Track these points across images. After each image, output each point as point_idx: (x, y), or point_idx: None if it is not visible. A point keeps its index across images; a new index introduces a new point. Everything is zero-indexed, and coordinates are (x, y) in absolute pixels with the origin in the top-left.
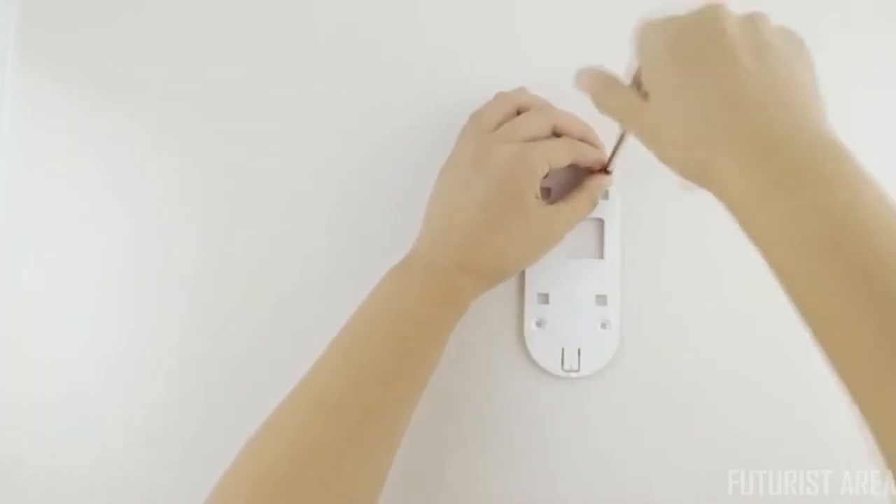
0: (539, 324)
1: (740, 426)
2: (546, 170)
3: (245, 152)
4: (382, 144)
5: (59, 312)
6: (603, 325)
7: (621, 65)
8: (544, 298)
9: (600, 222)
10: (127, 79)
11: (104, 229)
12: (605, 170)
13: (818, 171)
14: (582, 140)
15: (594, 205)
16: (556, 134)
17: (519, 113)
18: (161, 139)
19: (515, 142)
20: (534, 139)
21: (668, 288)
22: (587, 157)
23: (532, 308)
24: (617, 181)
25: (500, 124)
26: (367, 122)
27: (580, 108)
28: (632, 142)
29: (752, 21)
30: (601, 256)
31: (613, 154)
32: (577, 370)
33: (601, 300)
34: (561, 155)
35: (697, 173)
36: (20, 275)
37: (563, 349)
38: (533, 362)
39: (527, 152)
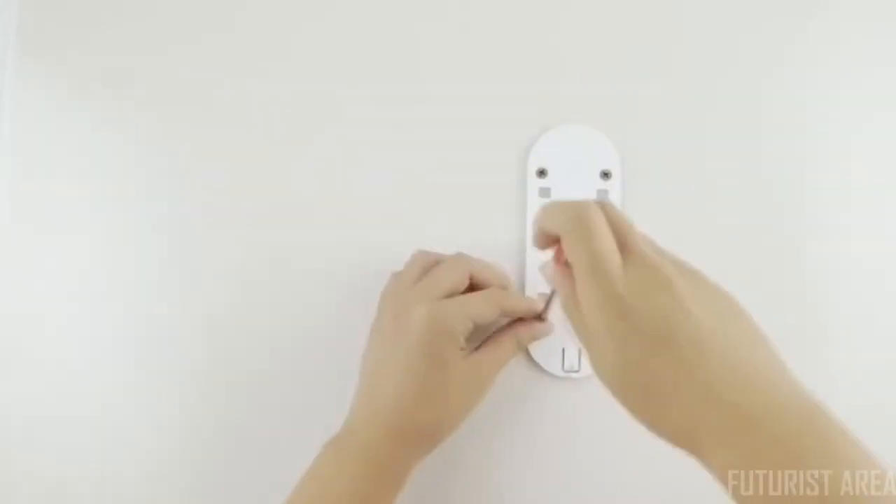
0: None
1: None
2: (470, 326)
3: (247, 154)
4: (391, 148)
5: (60, 315)
6: None
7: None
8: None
9: None
10: (127, 79)
11: (105, 230)
12: (539, 317)
13: (803, 442)
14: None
15: (521, 349)
16: (475, 286)
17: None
18: (162, 139)
19: (432, 300)
20: (451, 294)
21: None
22: (515, 308)
23: None
24: (617, 182)
25: (418, 281)
26: (367, 123)
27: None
28: (631, 147)
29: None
30: None
31: (548, 304)
32: (578, 370)
33: None
34: (484, 309)
35: (677, 437)
36: (20, 278)
37: (563, 349)
38: (533, 362)
39: (444, 311)
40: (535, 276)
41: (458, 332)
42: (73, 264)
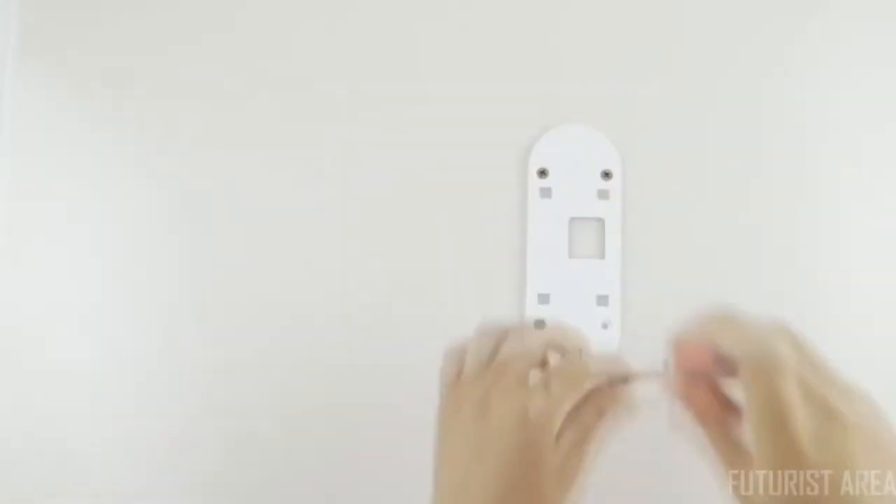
0: (539, 324)
1: None
2: (563, 413)
3: (247, 154)
4: (391, 148)
5: (60, 315)
6: (603, 326)
7: None
8: (545, 298)
9: (600, 222)
10: (127, 79)
11: (105, 229)
12: (625, 380)
13: None
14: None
15: (612, 417)
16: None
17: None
18: (162, 139)
19: (520, 388)
20: (536, 373)
21: (668, 288)
22: (600, 376)
23: (532, 308)
24: (618, 182)
25: (487, 365)
26: (367, 123)
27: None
28: (631, 146)
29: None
30: (601, 256)
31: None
32: None
33: (602, 300)
34: (572, 396)
35: None
36: (20, 278)
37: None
38: None
39: (534, 403)
40: (536, 277)
41: (555, 425)
42: (73, 264)
